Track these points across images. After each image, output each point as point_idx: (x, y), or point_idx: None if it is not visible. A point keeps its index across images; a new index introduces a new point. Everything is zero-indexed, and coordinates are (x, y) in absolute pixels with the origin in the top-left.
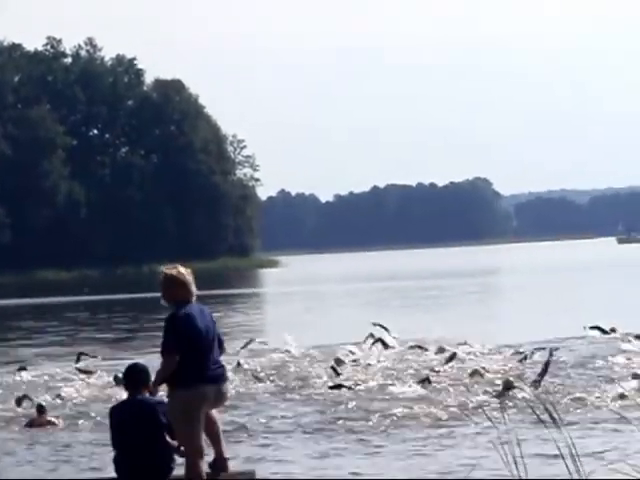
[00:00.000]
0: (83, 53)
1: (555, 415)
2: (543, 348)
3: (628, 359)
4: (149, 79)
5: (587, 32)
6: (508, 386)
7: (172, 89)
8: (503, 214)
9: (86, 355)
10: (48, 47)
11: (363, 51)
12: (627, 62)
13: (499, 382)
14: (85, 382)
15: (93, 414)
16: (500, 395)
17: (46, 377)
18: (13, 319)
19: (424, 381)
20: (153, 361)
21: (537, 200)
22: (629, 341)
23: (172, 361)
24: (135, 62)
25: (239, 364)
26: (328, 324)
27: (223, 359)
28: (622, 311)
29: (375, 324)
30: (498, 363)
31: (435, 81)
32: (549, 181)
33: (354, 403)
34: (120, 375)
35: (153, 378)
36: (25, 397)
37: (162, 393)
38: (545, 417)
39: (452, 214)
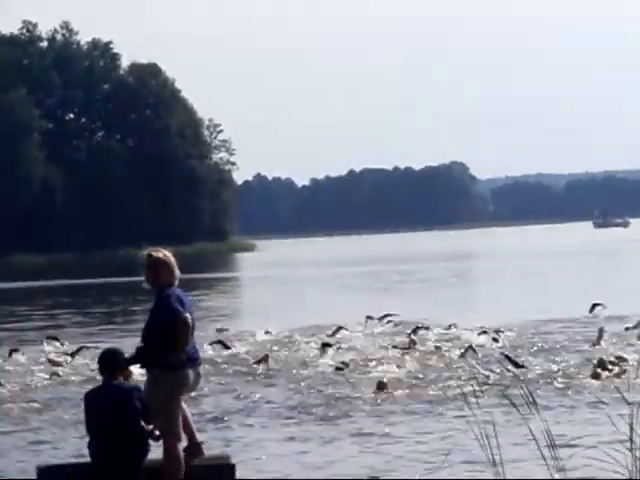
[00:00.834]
0: (59, 37)
1: (532, 399)
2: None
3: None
4: (125, 63)
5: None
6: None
7: (148, 73)
8: (479, 198)
9: (55, 340)
10: (24, 31)
11: (343, 37)
12: (599, 45)
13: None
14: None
15: (68, 397)
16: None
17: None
18: None
19: (405, 358)
20: (128, 347)
21: (513, 184)
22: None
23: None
24: (111, 46)
25: (227, 347)
26: (306, 307)
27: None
28: (598, 294)
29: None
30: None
31: (414, 63)
32: (525, 165)
33: (332, 386)
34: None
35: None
36: None
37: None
38: (521, 402)
39: (428, 198)
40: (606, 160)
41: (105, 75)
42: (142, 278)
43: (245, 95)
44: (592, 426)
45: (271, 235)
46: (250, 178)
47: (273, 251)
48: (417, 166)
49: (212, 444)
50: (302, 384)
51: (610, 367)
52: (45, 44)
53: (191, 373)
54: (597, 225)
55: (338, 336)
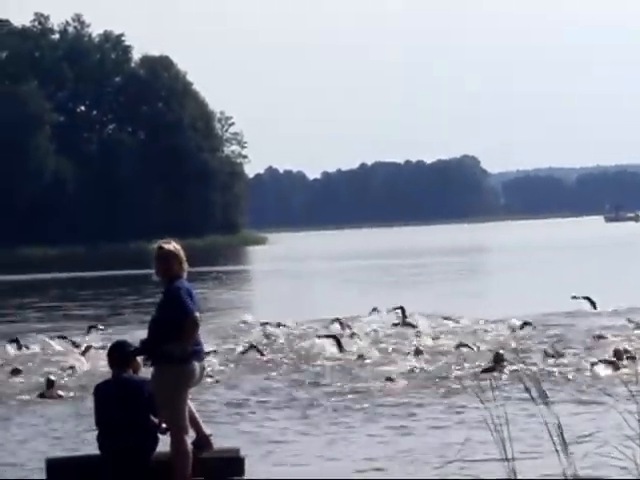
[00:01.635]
0: (70, 29)
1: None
2: (529, 323)
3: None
4: (137, 56)
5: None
6: (499, 359)
7: (160, 65)
8: (491, 192)
9: (98, 327)
10: (35, 23)
11: (347, 33)
12: (612, 41)
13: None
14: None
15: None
16: (489, 369)
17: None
18: None
19: (416, 354)
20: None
21: (525, 178)
22: None
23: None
24: (123, 38)
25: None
26: (317, 300)
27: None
28: (607, 288)
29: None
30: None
31: (425, 58)
32: (537, 159)
33: (344, 378)
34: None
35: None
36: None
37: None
38: (534, 394)
39: (440, 192)
40: (618, 154)
41: (117, 68)
42: (152, 271)
43: (256, 89)
44: (602, 421)
45: (283, 228)
46: (262, 171)
47: (285, 244)
48: (429, 160)
49: (223, 436)
50: (312, 376)
51: (625, 357)
52: (57, 37)
53: (197, 366)
54: (608, 219)
55: (347, 331)
